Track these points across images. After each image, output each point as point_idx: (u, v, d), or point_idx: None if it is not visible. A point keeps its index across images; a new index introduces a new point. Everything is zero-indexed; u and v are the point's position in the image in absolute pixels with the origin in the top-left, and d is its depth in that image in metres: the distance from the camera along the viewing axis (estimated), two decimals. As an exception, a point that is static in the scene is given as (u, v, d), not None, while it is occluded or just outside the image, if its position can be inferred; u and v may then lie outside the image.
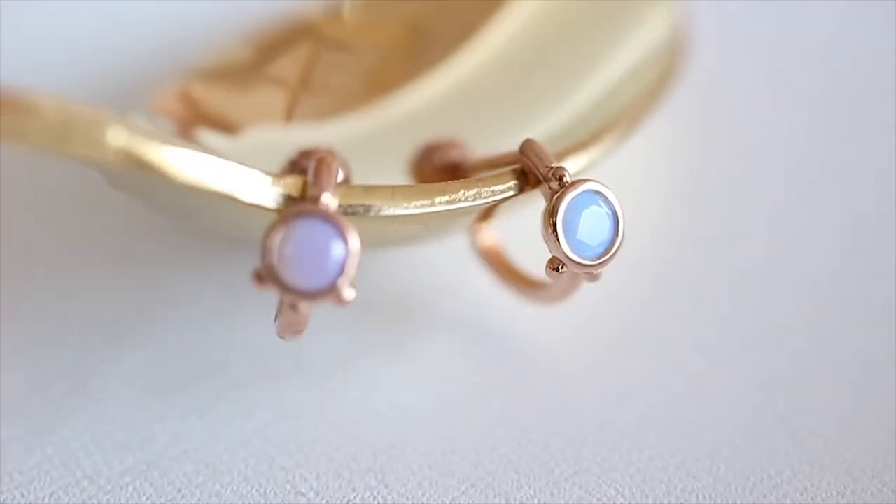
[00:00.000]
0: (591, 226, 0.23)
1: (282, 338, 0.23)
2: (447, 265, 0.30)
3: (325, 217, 0.21)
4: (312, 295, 0.21)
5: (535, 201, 0.24)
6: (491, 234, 0.27)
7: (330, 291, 0.21)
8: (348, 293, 0.21)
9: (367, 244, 0.22)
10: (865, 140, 0.34)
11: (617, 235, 0.23)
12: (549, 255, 0.23)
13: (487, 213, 0.25)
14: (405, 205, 0.22)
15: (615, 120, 0.27)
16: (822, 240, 0.31)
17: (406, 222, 0.23)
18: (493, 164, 0.25)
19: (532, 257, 0.26)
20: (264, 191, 0.22)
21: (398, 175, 0.28)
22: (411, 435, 0.26)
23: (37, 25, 0.36)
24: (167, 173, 0.20)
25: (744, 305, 0.30)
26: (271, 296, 0.22)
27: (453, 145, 0.27)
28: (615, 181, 0.24)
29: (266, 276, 0.21)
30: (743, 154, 0.34)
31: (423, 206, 0.23)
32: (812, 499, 0.25)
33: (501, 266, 0.27)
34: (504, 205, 0.24)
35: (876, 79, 0.36)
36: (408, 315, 0.29)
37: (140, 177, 0.22)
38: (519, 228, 0.27)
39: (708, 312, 0.29)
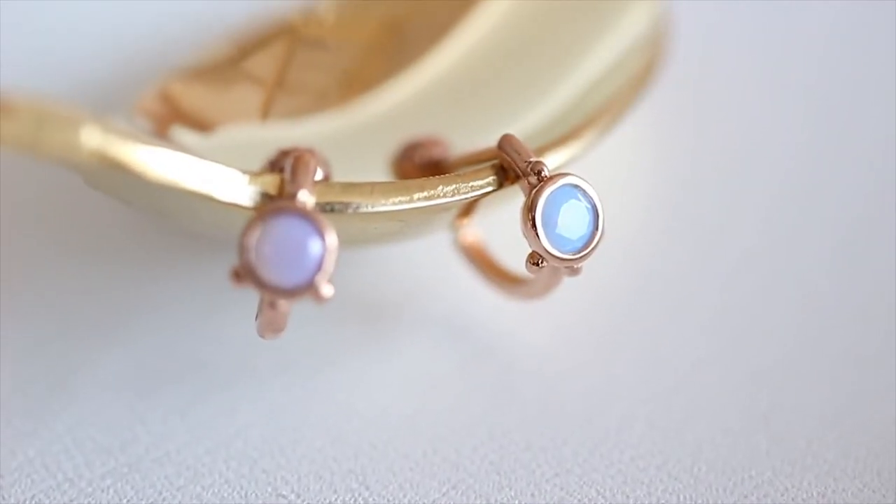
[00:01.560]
0: (570, 220, 0.23)
1: (262, 337, 0.23)
2: (429, 264, 0.30)
3: (302, 214, 0.21)
4: (290, 292, 0.21)
5: (516, 197, 0.24)
6: (472, 230, 0.27)
7: (308, 288, 0.21)
8: (326, 290, 0.21)
9: (346, 242, 0.22)
10: (857, 135, 0.34)
11: (597, 229, 0.23)
12: (530, 251, 0.23)
13: (468, 209, 0.25)
14: (383, 201, 0.23)
15: (596, 115, 0.27)
16: (807, 240, 0.31)
17: (385, 219, 0.23)
18: (473, 160, 0.25)
19: (514, 254, 0.26)
20: (241, 189, 0.22)
21: (378, 173, 0.28)
22: (392, 436, 0.26)
23: (16, 26, 0.36)
24: (142, 173, 0.20)
25: (727, 305, 0.30)
26: (253, 295, 0.22)
27: (434, 143, 0.27)
28: (599, 177, 0.25)
29: (244, 274, 0.21)
30: (729, 151, 0.34)
31: (401, 202, 0.23)
32: (793, 499, 0.25)
33: (483, 263, 0.27)
34: (485, 201, 0.24)
35: (869, 70, 0.36)
36: (389, 315, 0.29)
37: (117, 177, 0.22)
38: (500, 225, 0.27)
39: (691, 313, 0.29)
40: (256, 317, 0.22)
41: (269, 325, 0.22)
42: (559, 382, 0.28)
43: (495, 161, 0.24)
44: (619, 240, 0.29)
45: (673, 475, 0.26)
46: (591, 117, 0.27)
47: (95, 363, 0.28)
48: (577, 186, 0.23)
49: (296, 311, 0.22)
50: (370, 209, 0.22)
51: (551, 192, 0.23)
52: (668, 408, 0.27)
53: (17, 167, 0.31)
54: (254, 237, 0.21)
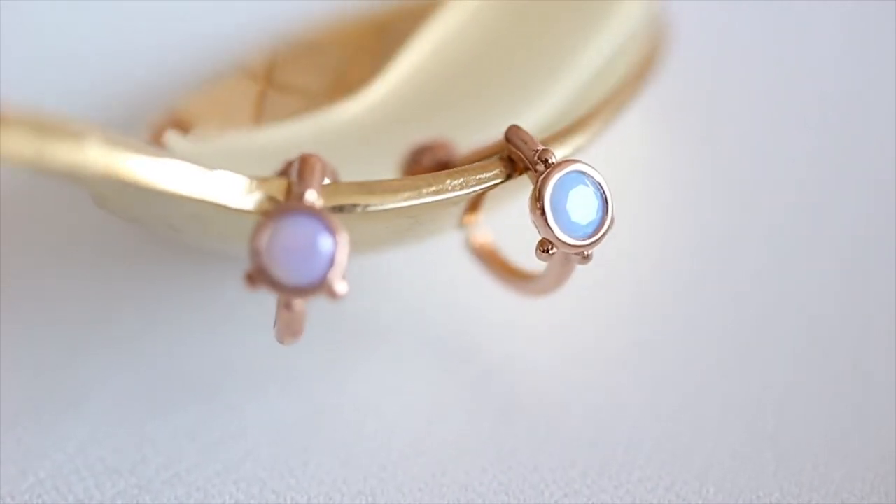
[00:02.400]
0: (579, 206, 0.23)
1: (282, 342, 0.23)
2: (438, 285, 0.30)
3: (311, 213, 0.21)
4: (305, 290, 0.21)
5: (526, 189, 0.24)
6: (482, 230, 0.27)
7: (321, 285, 0.21)
8: (340, 286, 0.21)
9: (358, 244, 0.22)
10: (870, 146, 0.34)
11: (606, 214, 0.23)
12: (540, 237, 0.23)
13: (476, 203, 0.25)
14: (392, 198, 0.23)
15: (599, 106, 0.27)
16: (813, 260, 0.31)
17: (395, 216, 0.23)
18: (481, 155, 0.25)
19: (525, 255, 0.26)
20: (249, 195, 0.22)
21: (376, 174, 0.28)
22: (402, 457, 0.27)
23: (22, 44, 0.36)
24: (148, 184, 0.20)
25: (733, 327, 0.30)
26: (262, 314, 0.22)
27: (441, 145, 0.27)
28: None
29: (257, 276, 0.21)
30: (740, 170, 0.34)
31: (410, 197, 0.23)
32: (801, 520, 0.25)
33: (494, 261, 0.27)
34: (493, 194, 0.24)
35: (884, 73, 0.37)
36: (398, 336, 0.29)
37: (125, 191, 0.22)
38: (510, 227, 0.27)
39: (696, 334, 0.29)
40: (274, 324, 0.22)
41: (287, 328, 0.22)
42: (566, 404, 0.28)
43: (503, 153, 0.24)
44: (624, 261, 0.30)
45: (681, 496, 0.26)
46: (595, 108, 0.26)
47: (104, 384, 0.28)
48: (584, 172, 0.23)
49: (305, 333, 0.22)
50: (380, 207, 0.23)
51: (559, 179, 0.23)
52: (676, 429, 0.27)
53: (23, 185, 0.31)
54: (264, 239, 0.21)
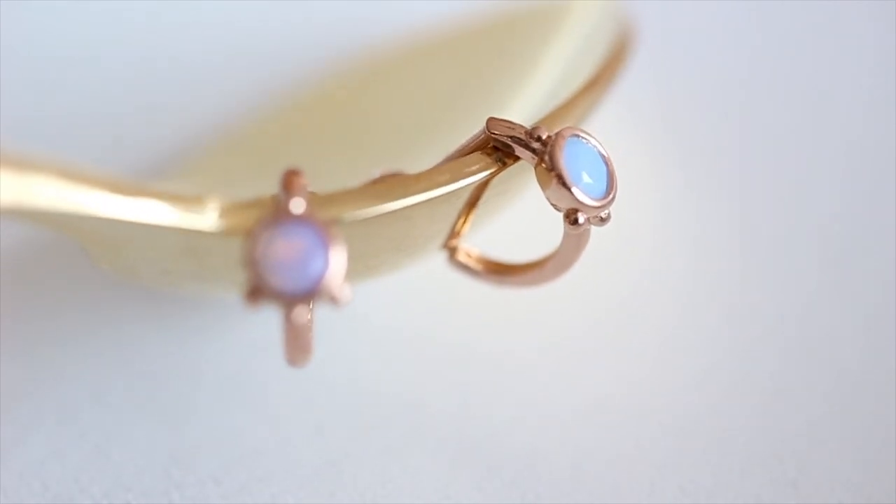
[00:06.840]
0: (587, 166, 0.23)
1: (293, 363, 0.22)
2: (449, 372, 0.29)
3: (301, 219, 0.21)
4: (304, 297, 0.21)
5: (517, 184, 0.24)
6: (465, 247, 0.27)
7: (321, 290, 0.21)
8: (343, 291, 0.21)
9: (353, 261, 0.21)
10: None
11: (608, 167, 0.23)
12: (564, 210, 0.23)
13: (474, 200, 0.24)
14: (381, 202, 0.22)
15: (575, 96, 0.26)
16: (836, 303, 0.31)
17: (388, 223, 0.22)
18: (463, 154, 0.24)
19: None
20: (240, 215, 0.22)
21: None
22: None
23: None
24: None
25: (755, 373, 0.29)
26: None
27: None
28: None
29: (256, 290, 0.21)
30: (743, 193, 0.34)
31: (400, 196, 0.22)
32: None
33: (490, 266, 0.27)
34: (492, 189, 0.24)
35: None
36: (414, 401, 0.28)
37: (117, 241, 0.22)
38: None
39: (716, 382, 0.29)
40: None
41: (294, 342, 0.21)
42: (588, 452, 0.27)
43: (485, 148, 0.23)
44: (640, 320, 0.30)
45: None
46: (570, 99, 0.25)
47: (131, 429, 0.27)
48: (579, 136, 0.23)
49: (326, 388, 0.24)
50: (369, 213, 0.22)
51: (565, 146, 0.22)
52: (698, 477, 0.27)
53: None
54: (258, 250, 0.20)
